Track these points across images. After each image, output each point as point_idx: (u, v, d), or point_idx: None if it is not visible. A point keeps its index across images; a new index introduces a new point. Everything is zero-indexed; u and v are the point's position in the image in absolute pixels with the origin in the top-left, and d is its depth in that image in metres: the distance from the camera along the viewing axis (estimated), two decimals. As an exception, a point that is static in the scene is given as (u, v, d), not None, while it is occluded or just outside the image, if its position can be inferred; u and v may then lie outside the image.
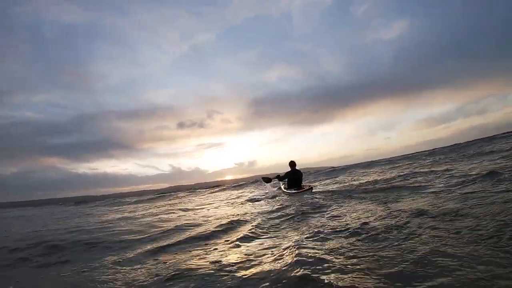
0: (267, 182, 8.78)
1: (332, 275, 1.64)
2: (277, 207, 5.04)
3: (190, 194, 17.62)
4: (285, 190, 7.11)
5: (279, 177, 7.81)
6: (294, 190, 6.71)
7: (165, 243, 3.12)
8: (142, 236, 3.77)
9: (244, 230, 3.27)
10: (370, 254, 1.92)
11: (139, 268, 2.33)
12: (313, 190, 6.56)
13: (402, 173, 7.90)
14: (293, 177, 7.35)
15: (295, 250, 2.12)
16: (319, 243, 2.35)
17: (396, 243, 2.06)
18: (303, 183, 7.64)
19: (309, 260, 1.89)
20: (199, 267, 2.13)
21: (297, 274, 1.68)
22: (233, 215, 4.83)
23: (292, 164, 7.48)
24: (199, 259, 2.37)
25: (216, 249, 2.65)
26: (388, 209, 3.33)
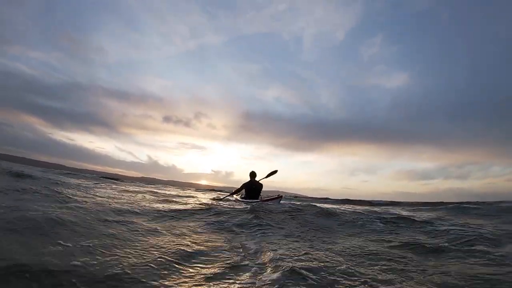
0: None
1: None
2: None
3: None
4: (241, 199, 6.44)
5: (234, 192, 7.14)
6: (252, 200, 6.17)
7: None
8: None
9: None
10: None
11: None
12: (281, 201, 5.92)
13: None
14: (251, 188, 6.59)
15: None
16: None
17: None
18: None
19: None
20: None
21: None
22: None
23: (252, 174, 6.75)
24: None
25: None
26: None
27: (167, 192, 8.60)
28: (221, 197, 7.25)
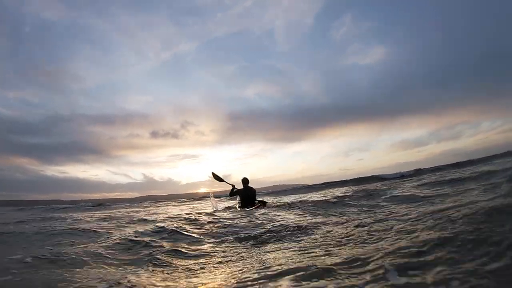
0: (219, 180, 7.46)
1: None
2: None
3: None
4: (239, 209, 6.65)
5: (232, 191, 7.26)
6: (248, 207, 6.35)
7: None
8: None
9: None
10: None
11: None
12: (266, 205, 6.27)
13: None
14: (245, 195, 6.93)
15: None
16: None
17: None
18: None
19: None
20: None
21: None
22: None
23: (245, 181, 7.08)
24: None
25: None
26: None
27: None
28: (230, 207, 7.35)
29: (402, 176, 15.39)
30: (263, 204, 6.24)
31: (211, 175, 7.42)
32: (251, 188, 7.00)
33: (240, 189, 7.03)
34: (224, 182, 7.38)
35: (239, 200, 7.07)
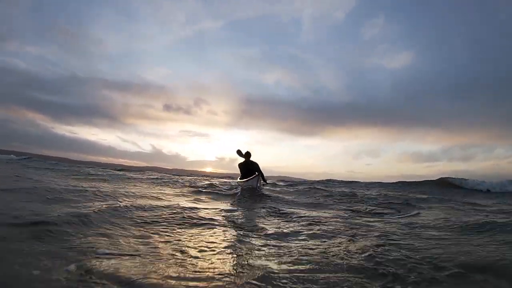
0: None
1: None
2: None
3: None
4: (239, 181, 7.09)
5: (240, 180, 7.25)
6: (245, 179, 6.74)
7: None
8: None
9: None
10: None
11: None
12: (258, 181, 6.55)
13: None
14: (246, 168, 7.03)
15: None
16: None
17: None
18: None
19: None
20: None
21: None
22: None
23: (247, 154, 7.11)
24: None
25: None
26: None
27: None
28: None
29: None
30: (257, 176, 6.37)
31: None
32: (252, 162, 7.08)
33: (241, 162, 7.20)
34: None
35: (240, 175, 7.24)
